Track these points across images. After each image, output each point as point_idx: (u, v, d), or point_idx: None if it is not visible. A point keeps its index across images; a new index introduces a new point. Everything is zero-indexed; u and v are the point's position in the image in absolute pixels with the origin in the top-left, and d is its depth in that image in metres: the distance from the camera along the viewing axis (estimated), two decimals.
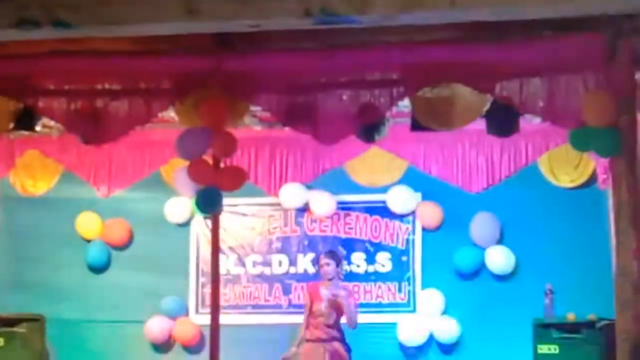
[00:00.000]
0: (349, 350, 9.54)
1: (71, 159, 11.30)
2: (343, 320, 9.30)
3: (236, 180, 8.91)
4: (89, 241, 11.64)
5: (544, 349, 9.45)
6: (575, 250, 10.34)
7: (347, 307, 9.25)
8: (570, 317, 9.55)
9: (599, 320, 9.27)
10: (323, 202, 11.15)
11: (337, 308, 9.29)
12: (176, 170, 10.79)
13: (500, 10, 7.02)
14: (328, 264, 9.54)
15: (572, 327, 9.46)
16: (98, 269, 11.59)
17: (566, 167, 10.55)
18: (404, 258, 11.10)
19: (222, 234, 10.50)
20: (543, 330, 9.55)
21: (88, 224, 11.62)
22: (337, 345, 9.50)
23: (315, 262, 10.03)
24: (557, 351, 9.40)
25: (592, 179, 10.37)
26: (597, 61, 7.50)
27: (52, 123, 9.57)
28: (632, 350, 8.11)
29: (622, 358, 8.28)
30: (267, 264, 11.39)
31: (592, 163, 10.21)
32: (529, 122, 9.21)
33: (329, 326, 9.45)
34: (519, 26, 7.51)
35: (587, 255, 10.20)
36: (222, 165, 9.50)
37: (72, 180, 11.55)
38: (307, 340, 9.51)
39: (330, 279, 9.53)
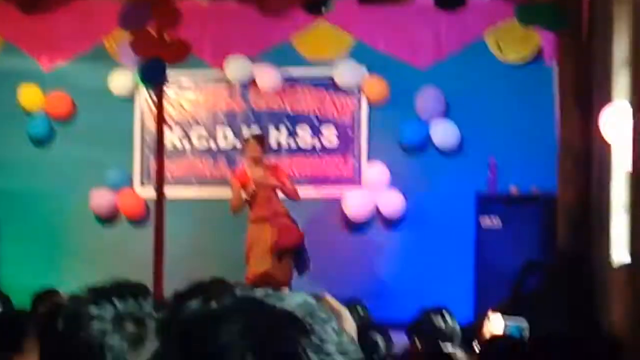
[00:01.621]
0: (294, 223, 9.60)
1: (11, 30, 11.07)
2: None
3: (180, 52, 8.82)
4: (31, 114, 11.47)
5: (486, 221, 9.57)
6: (520, 125, 10.37)
7: (280, 186, 9.34)
8: (513, 190, 9.65)
9: (541, 193, 9.38)
10: (269, 76, 11.03)
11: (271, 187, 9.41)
12: (120, 42, 10.68)
13: None
14: (255, 147, 9.56)
15: (515, 200, 9.57)
16: (41, 141, 11.45)
17: (513, 43, 10.51)
18: (350, 132, 11.08)
19: (166, 108, 10.41)
20: (486, 203, 9.66)
21: (29, 96, 11.42)
22: (283, 219, 9.53)
23: (241, 141, 10.09)
24: (499, 224, 9.52)
25: (539, 54, 10.36)
26: None
27: None
28: (572, 223, 8.26)
29: (562, 230, 8.45)
30: (212, 137, 11.31)
31: (538, 38, 10.18)
32: None
33: (270, 203, 9.49)
34: None
35: (531, 130, 10.24)
36: (165, 37, 9.38)
37: (13, 51, 11.34)
38: (251, 222, 9.53)
39: (256, 161, 9.55)
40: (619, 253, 6.17)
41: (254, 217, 9.56)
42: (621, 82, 6.31)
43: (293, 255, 9.51)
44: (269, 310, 1.35)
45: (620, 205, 6.30)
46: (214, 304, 1.34)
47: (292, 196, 9.61)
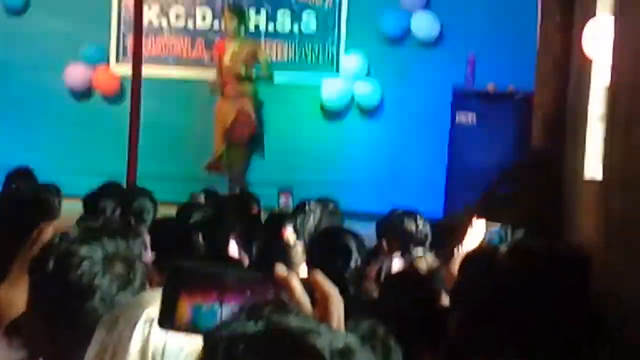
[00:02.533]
0: (260, 105, 9.62)
1: None
2: None
3: None
4: None
5: (462, 117, 9.58)
6: (502, 22, 10.32)
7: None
8: (490, 87, 9.64)
9: (518, 93, 9.39)
10: None
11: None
12: None
13: None
14: (230, 19, 9.51)
15: (491, 98, 9.57)
16: (15, 10, 11.28)
17: None
18: (330, 19, 10.98)
19: None
20: (462, 98, 9.65)
21: None
22: (245, 101, 9.56)
23: (218, 16, 10.03)
24: (474, 121, 9.53)
25: None
26: None
27: None
28: (547, 126, 8.29)
29: (536, 130, 8.48)
30: (190, 16, 11.18)
31: None
32: None
33: (238, 81, 9.50)
34: None
35: (513, 27, 10.18)
36: None
37: None
38: (221, 96, 9.63)
39: (232, 36, 9.55)
40: (591, 166, 6.23)
41: (222, 91, 9.64)
42: None
43: (248, 143, 9.62)
44: (302, 350, 1.24)
45: (596, 118, 6.33)
46: (248, 326, 1.27)
47: (264, 75, 9.68)
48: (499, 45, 10.20)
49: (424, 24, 10.66)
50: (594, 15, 6.25)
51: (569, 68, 7.79)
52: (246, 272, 1.59)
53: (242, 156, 9.62)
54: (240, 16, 9.64)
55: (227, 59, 9.52)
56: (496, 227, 5.24)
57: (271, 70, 9.70)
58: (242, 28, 9.60)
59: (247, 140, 9.60)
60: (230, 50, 9.57)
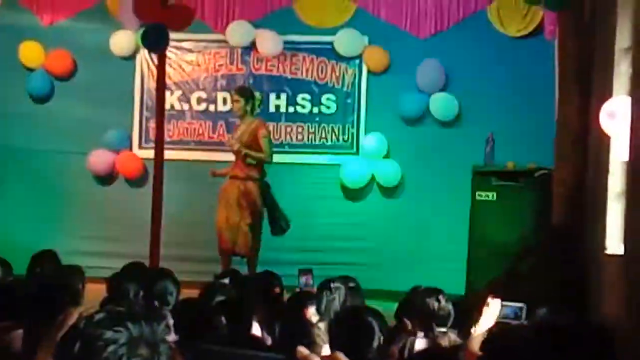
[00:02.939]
0: (266, 187, 9.62)
1: None
2: None
3: (183, 19, 8.81)
4: (31, 70, 11.48)
5: (482, 195, 9.60)
6: (519, 100, 10.42)
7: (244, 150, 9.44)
8: (510, 165, 9.68)
9: (538, 170, 9.42)
10: (270, 41, 11.05)
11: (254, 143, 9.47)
12: (121, 2, 10.65)
13: None
14: (237, 101, 9.62)
15: (511, 175, 9.60)
16: (41, 98, 11.48)
17: (514, 16, 10.53)
18: (349, 101, 11.12)
19: (167, 70, 10.42)
20: (482, 176, 9.68)
21: (30, 53, 11.43)
22: (250, 185, 9.58)
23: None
24: (494, 198, 9.56)
25: (540, 28, 10.38)
26: None
27: None
28: (567, 201, 8.32)
29: (557, 206, 8.51)
30: (211, 101, 11.36)
31: (540, 13, 10.19)
32: None
33: (245, 164, 9.56)
34: None
35: (530, 105, 10.28)
36: (169, 2, 9.36)
37: (14, 7, 11.32)
38: (230, 177, 9.66)
39: (240, 116, 9.63)
40: (612, 241, 6.25)
41: (231, 172, 9.65)
42: (622, 71, 6.34)
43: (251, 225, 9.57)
44: None
45: (615, 193, 6.36)
46: None
47: (261, 159, 9.60)
48: (517, 123, 10.28)
49: (442, 105, 10.77)
50: (611, 95, 6.32)
51: (587, 144, 7.85)
52: (269, 355, 1.63)
53: (246, 236, 9.56)
54: (247, 97, 9.72)
55: (233, 140, 9.62)
56: (512, 305, 5.25)
57: (270, 149, 9.65)
58: (249, 108, 9.64)
59: (249, 223, 9.55)
60: (239, 131, 9.66)
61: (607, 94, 6.40)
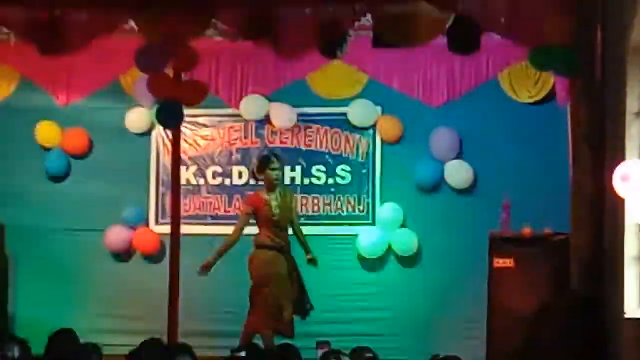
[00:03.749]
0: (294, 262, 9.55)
1: (29, 66, 11.16)
2: None
3: (197, 94, 8.91)
4: (48, 150, 11.58)
5: (499, 262, 9.59)
6: (533, 166, 10.42)
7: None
8: (527, 231, 9.68)
9: (554, 235, 9.41)
10: (284, 114, 11.13)
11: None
12: (136, 81, 10.78)
13: None
14: (276, 168, 9.53)
15: (528, 241, 9.59)
16: (57, 177, 11.56)
17: (526, 83, 10.58)
18: (364, 171, 11.16)
19: (182, 145, 10.51)
20: (499, 243, 9.68)
21: (47, 132, 11.54)
22: (291, 257, 9.52)
23: (263, 165, 9.70)
24: (512, 264, 9.54)
25: (552, 94, 10.41)
26: None
27: None
28: (585, 265, 8.29)
29: (575, 272, 8.48)
30: (227, 175, 11.40)
31: (551, 79, 10.24)
32: (491, 37, 9.22)
33: (283, 233, 9.49)
34: None
35: (544, 170, 10.28)
36: (182, 77, 9.46)
37: (30, 87, 11.45)
38: (265, 247, 9.44)
39: (274, 185, 9.49)
40: (631, 304, 6.22)
41: (270, 242, 9.41)
42: (633, 134, 6.37)
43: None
44: None
45: (631, 257, 6.35)
46: None
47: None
48: (532, 189, 10.27)
49: (457, 173, 10.79)
50: (624, 158, 6.35)
51: (603, 208, 7.84)
52: None
53: (291, 314, 9.37)
54: (284, 163, 9.72)
55: (272, 212, 9.46)
56: None
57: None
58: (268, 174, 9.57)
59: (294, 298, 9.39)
60: (273, 201, 9.52)
61: (619, 157, 6.42)
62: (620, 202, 6.48)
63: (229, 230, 10.73)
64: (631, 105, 6.44)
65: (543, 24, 7.90)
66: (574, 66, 8.20)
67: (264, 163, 9.57)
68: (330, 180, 11.22)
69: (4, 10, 8.63)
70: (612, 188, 6.43)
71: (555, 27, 8.07)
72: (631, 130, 6.43)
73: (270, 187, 9.51)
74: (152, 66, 8.58)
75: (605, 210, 7.65)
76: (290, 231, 9.61)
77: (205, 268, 9.48)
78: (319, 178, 11.24)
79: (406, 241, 10.83)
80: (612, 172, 6.36)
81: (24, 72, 11.38)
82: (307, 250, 9.53)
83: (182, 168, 10.69)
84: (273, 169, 9.52)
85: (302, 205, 11.12)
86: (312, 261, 9.52)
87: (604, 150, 7.73)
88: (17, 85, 11.44)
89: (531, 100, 10.62)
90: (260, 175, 9.57)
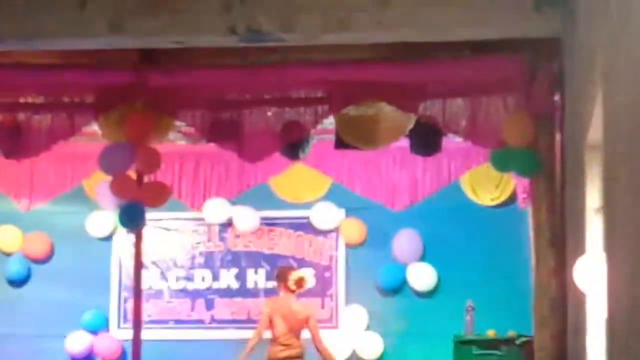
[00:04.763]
0: None
1: None
2: None
3: (160, 195, 8.86)
4: (8, 255, 11.49)
5: None
6: (496, 268, 10.47)
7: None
8: (490, 333, 9.66)
9: (518, 337, 9.40)
10: (247, 218, 11.15)
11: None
12: (99, 184, 10.76)
13: (425, 31, 7.12)
14: (303, 278, 9.63)
15: (492, 344, 9.57)
16: (18, 282, 11.45)
17: (487, 186, 10.69)
18: (327, 274, 11.14)
19: (144, 248, 10.44)
20: (463, 346, 9.65)
21: (8, 237, 11.47)
22: None
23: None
24: None
25: (513, 197, 10.52)
26: (518, 83, 7.62)
27: None
28: None
29: None
30: (189, 278, 11.35)
31: (512, 182, 10.35)
32: (452, 141, 9.32)
33: (298, 341, 9.50)
34: (443, 47, 7.62)
35: (507, 272, 10.32)
36: (145, 180, 9.45)
37: None
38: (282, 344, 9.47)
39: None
40: None
41: (287, 354, 9.53)
42: (595, 230, 6.41)
43: None
44: None
45: (598, 353, 6.32)
46: None
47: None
48: (495, 291, 10.30)
49: (420, 275, 10.81)
50: (584, 252, 6.38)
51: (566, 307, 7.83)
52: None
53: None
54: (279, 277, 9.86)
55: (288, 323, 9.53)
56: None
57: None
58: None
59: None
60: (293, 307, 9.58)
61: (580, 253, 6.44)
62: (584, 297, 6.48)
63: (191, 334, 10.61)
64: (591, 201, 6.48)
65: (503, 127, 7.99)
66: (535, 167, 8.27)
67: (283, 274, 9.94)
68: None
69: None
70: (574, 285, 6.43)
71: (515, 129, 8.16)
72: (592, 225, 6.46)
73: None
74: (114, 168, 8.56)
75: (569, 308, 7.65)
76: None
77: None
78: None
79: (370, 345, 10.77)
80: (573, 267, 6.38)
81: None
82: None
83: (145, 271, 10.60)
84: (301, 278, 9.87)
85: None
86: None
87: (565, 249, 7.76)
88: None
89: (493, 203, 10.71)
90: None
